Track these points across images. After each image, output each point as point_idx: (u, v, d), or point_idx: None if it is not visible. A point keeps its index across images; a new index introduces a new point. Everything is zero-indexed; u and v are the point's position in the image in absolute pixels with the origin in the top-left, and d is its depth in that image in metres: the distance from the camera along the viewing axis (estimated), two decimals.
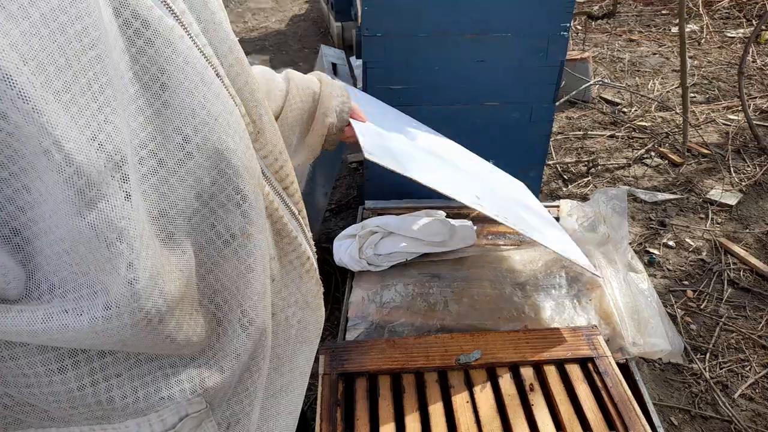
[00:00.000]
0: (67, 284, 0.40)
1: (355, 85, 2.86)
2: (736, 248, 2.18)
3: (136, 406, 0.48)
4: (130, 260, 0.39)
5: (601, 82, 3.53)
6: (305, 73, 0.99)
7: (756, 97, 3.33)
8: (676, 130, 3.02)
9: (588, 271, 1.20)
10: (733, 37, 4.24)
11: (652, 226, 2.36)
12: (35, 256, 0.40)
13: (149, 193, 0.43)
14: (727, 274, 2.08)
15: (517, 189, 1.41)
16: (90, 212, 0.37)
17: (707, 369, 1.72)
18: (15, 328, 0.39)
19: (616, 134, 3.06)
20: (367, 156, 0.88)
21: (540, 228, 1.17)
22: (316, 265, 0.68)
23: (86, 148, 0.36)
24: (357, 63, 3.11)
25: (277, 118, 0.88)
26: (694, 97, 3.39)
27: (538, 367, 1.11)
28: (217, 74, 0.49)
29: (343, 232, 1.54)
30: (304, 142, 0.96)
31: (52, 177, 0.36)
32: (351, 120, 0.99)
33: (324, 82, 0.97)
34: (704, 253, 2.19)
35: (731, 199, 2.47)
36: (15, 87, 0.33)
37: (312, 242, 0.68)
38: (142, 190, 0.43)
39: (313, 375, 1.08)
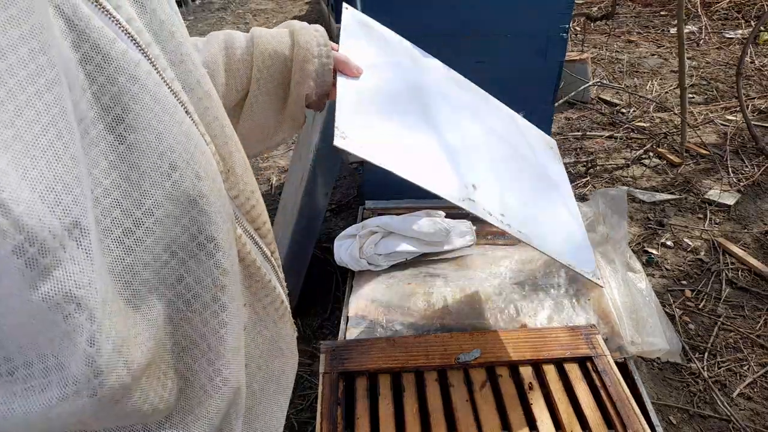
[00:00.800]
0: (16, 361, 0.35)
1: None
2: (735, 248, 2.19)
3: None
4: (91, 333, 0.35)
5: (599, 83, 3.54)
6: None
7: (754, 98, 3.34)
8: (675, 130, 3.03)
9: (585, 277, 1.11)
10: (732, 38, 4.25)
11: (650, 226, 2.37)
12: None
13: (113, 248, 0.39)
14: (726, 273, 2.08)
15: (542, 155, 1.21)
16: (44, 283, 0.32)
17: (705, 368, 1.72)
18: None
19: (615, 135, 3.07)
20: (336, 142, 0.72)
21: (548, 224, 1.03)
22: (289, 308, 0.64)
23: (39, 209, 0.32)
24: None
25: (243, 100, 0.79)
26: (693, 97, 3.40)
27: (537, 366, 1.12)
28: (186, 111, 0.45)
29: (343, 232, 1.55)
30: (283, 116, 0.84)
31: (0, 244, 0.31)
32: (338, 76, 0.83)
33: (297, 40, 0.80)
34: (702, 253, 2.20)
35: (729, 200, 2.48)
36: None
37: (284, 284, 0.64)
38: (105, 245, 0.39)
39: (314, 374, 1.09)
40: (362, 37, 0.93)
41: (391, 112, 0.87)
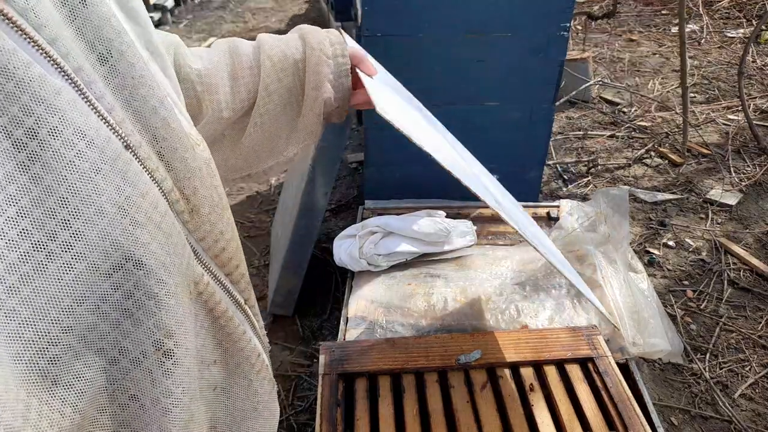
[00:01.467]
0: None
1: None
2: (736, 248, 2.18)
3: None
4: None
5: (601, 82, 3.53)
6: None
7: (756, 97, 3.33)
8: (676, 130, 3.02)
9: (584, 295, 1.14)
10: (733, 37, 4.24)
11: (652, 226, 2.36)
12: None
13: (19, 311, 0.33)
14: (727, 274, 2.08)
15: (510, 197, 1.32)
16: None
17: (707, 369, 1.72)
18: None
19: (616, 134, 3.06)
20: (379, 111, 0.69)
21: (542, 241, 1.12)
22: (268, 361, 0.58)
23: None
24: None
25: (250, 110, 0.74)
26: (694, 97, 3.39)
27: (538, 367, 1.11)
28: (126, 146, 0.39)
29: (343, 232, 1.54)
30: (297, 127, 0.78)
31: None
32: (360, 74, 0.76)
33: (309, 42, 0.73)
34: (704, 253, 2.19)
35: (731, 199, 2.47)
36: None
37: (263, 333, 0.58)
38: (9, 306, 0.33)
39: (313, 375, 1.08)
40: None
41: (405, 110, 0.87)
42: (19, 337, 0.34)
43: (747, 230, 2.31)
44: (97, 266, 0.36)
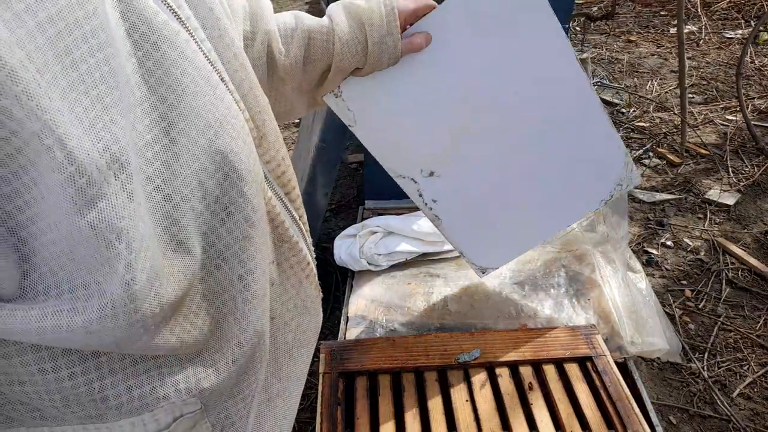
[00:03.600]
0: (63, 285, 0.40)
1: None
2: (735, 248, 2.19)
3: (131, 406, 0.47)
4: (128, 261, 0.39)
5: (599, 83, 3.54)
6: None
7: (754, 98, 3.34)
8: (675, 130, 3.03)
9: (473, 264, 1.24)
10: (732, 38, 4.25)
11: (650, 226, 2.37)
12: (31, 256, 0.39)
13: (153, 195, 0.43)
14: (726, 273, 2.08)
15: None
16: (90, 211, 0.36)
17: (705, 368, 1.72)
18: (7, 327, 0.39)
19: None
20: (326, 98, 0.81)
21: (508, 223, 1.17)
22: (315, 270, 0.67)
23: (89, 147, 0.36)
24: None
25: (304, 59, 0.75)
26: (693, 97, 3.40)
27: (537, 366, 1.12)
28: (221, 79, 0.49)
29: (343, 232, 1.55)
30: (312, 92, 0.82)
31: (53, 176, 0.35)
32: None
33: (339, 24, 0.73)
34: (702, 253, 2.20)
35: (729, 199, 2.48)
36: (20, 84, 0.32)
37: (312, 248, 0.67)
38: (147, 192, 0.42)
39: (313, 374, 1.09)
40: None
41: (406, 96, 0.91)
42: (152, 214, 0.43)
43: (745, 230, 2.31)
44: (205, 167, 0.46)
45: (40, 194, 0.36)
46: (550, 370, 1.10)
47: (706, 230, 2.31)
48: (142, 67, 0.42)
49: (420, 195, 1.06)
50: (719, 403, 1.61)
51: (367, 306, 1.33)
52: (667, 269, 2.14)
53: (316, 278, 0.68)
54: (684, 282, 2.07)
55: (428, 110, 0.93)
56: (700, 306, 1.96)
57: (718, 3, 4.75)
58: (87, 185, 0.36)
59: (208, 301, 0.51)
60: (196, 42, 0.47)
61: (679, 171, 2.72)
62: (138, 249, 0.39)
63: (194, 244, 0.47)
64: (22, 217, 0.37)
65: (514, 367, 1.12)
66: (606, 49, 4.18)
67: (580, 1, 5.04)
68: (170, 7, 0.45)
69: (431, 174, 1.03)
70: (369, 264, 1.42)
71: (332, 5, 0.75)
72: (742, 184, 2.59)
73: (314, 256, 0.68)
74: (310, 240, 0.66)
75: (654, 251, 2.22)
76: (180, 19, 0.46)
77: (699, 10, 4.48)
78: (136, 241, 0.39)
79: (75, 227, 0.37)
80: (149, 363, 0.48)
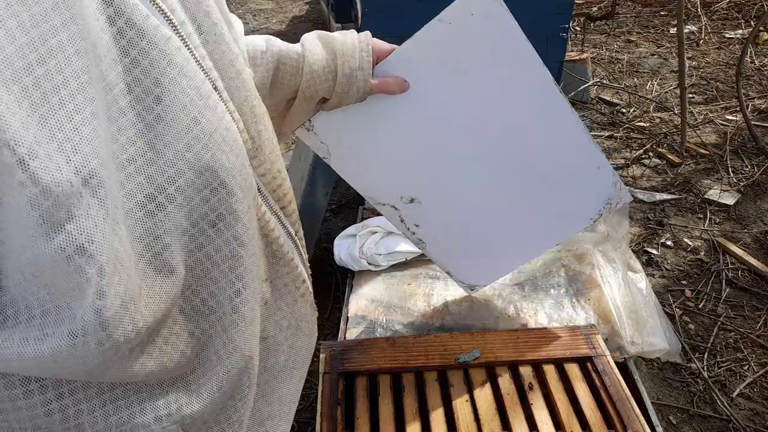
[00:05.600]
0: (34, 310, 0.37)
1: None
2: (734, 248, 2.19)
3: None
4: (100, 286, 0.36)
5: (599, 83, 3.54)
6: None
7: (754, 98, 3.34)
8: (675, 130, 3.03)
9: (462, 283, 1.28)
10: (732, 38, 4.25)
11: (650, 226, 2.37)
12: (1, 278, 0.37)
13: (134, 211, 0.41)
14: (725, 273, 2.08)
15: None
16: (57, 234, 0.34)
17: (705, 368, 1.72)
18: None
19: (615, 135, 3.07)
20: (298, 132, 0.81)
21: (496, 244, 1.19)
22: (311, 288, 0.65)
23: (57, 166, 0.33)
24: None
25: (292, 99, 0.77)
26: (693, 97, 3.40)
27: (537, 366, 1.12)
28: (214, 87, 0.46)
29: (343, 232, 1.55)
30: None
31: (18, 196, 0.33)
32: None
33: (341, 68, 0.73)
34: (702, 253, 2.20)
35: (729, 199, 2.48)
36: None
37: (308, 264, 0.65)
38: (127, 208, 0.40)
39: (313, 374, 1.09)
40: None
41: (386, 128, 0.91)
42: (132, 232, 0.41)
43: (745, 230, 2.31)
44: (192, 182, 0.44)
45: (7, 216, 0.34)
46: (550, 370, 1.10)
47: (706, 230, 2.32)
48: (129, 75, 0.40)
49: (402, 221, 1.06)
50: (719, 403, 1.61)
51: (367, 306, 1.33)
52: (667, 269, 2.14)
53: (312, 296, 0.65)
54: (684, 282, 2.07)
55: (404, 140, 0.92)
56: (700, 306, 1.96)
57: (718, 3, 4.75)
58: (53, 207, 0.33)
59: (193, 323, 0.48)
60: (189, 49, 0.44)
61: (679, 171, 2.72)
62: (111, 272, 0.37)
63: (178, 263, 0.45)
64: None
65: (514, 367, 1.12)
66: (606, 49, 4.18)
67: (580, 1, 5.04)
68: (162, 11, 0.43)
69: (411, 200, 1.03)
70: (369, 264, 1.42)
71: (306, 35, 0.76)
72: (742, 184, 2.59)
73: (310, 273, 0.65)
74: (306, 256, 0.64)
75: (654, 251, 2.22)
76: (173, 24, 0.43)
77: (699, 10, 4.48)
78: (109, 265, 0.37)
79: (41, 251, 0.34)
80: (128, 387, 0.46)
